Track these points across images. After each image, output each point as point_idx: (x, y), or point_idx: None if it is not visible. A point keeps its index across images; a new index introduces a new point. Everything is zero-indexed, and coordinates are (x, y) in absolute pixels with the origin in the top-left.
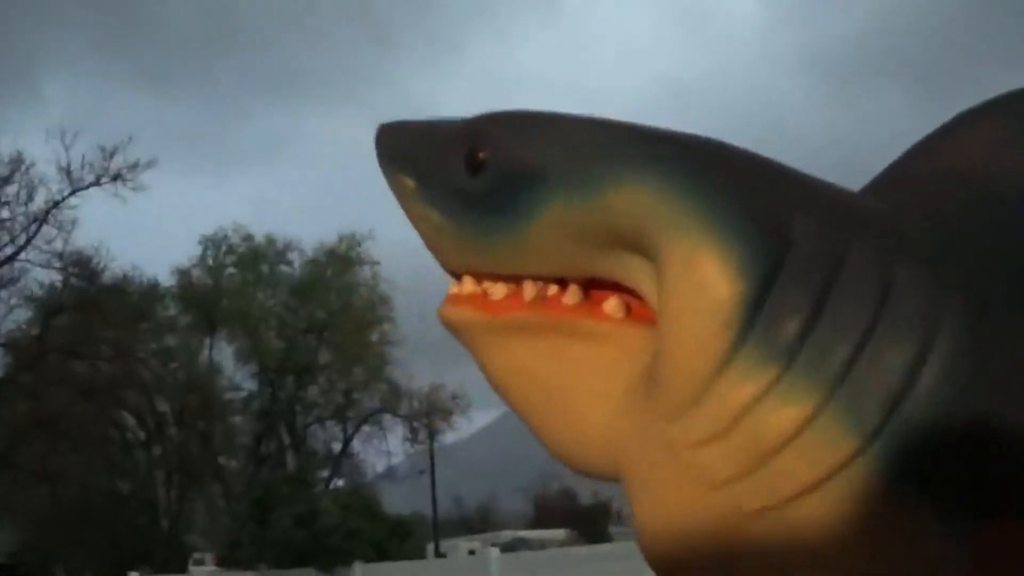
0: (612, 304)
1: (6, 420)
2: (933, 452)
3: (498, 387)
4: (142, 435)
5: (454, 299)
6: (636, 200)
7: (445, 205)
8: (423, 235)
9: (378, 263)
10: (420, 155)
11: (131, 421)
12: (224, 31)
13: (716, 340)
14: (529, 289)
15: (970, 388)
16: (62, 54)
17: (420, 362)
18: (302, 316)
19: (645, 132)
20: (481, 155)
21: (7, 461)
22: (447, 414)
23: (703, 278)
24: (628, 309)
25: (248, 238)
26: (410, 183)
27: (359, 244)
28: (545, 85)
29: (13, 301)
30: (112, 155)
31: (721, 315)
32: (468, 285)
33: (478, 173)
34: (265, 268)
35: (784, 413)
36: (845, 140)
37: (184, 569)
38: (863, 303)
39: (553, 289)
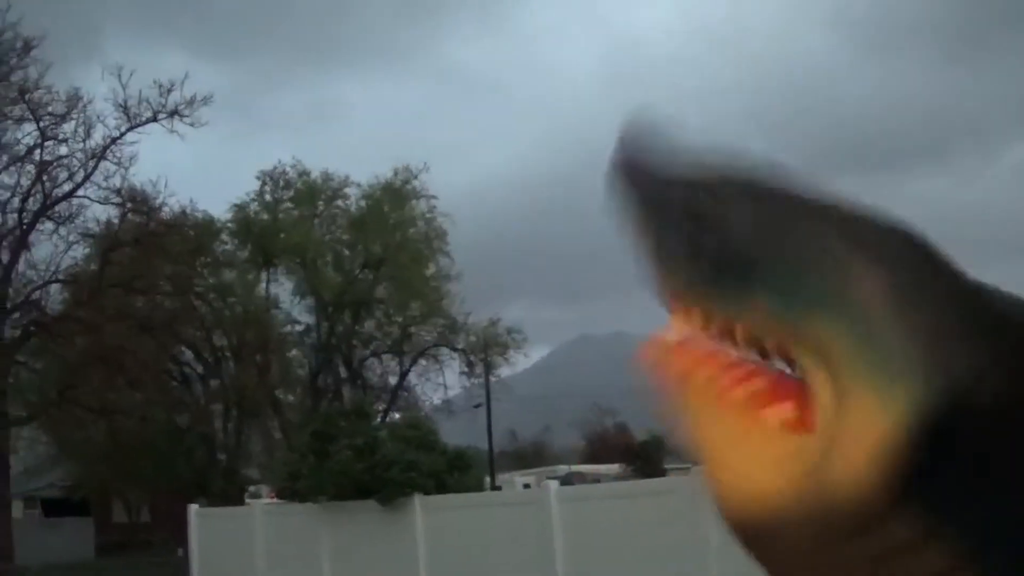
0: (774, 411)
1: (64, 356)
2: None
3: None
4: (200, 369)
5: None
6: (827, 339)
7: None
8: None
9: (435, 196)
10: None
11: (189, 355)
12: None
13: (884, 483)
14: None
15: None
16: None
17: (477, 297)
18: (359, 250)
19: (853, 258)
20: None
21: (65, 396)
22: (504, 348)
23: (875, 432)
24: (788, 419)
25: (305, 174)
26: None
27: (415, 176)
28: (582, 32)
29: (72, 238)
30: (169, 91)
31: (890, 468)
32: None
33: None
34: (321, 204)
35: (928, 560)
36: (870, 93)
37: (241, 501)
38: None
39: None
